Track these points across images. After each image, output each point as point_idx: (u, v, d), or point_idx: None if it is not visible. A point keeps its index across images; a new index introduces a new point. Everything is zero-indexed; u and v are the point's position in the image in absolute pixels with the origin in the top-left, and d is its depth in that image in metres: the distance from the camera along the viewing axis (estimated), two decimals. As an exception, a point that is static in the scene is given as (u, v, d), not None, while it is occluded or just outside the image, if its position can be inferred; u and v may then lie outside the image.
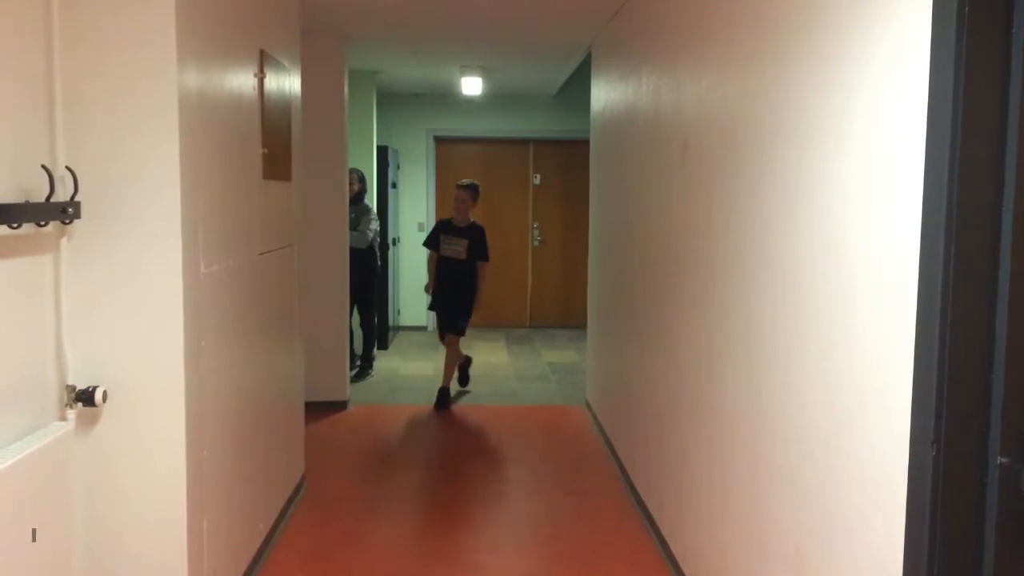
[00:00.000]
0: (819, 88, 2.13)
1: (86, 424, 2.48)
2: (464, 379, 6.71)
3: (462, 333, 6.32)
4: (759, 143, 2.56)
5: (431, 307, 6.52)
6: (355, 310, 6.92)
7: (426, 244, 6.53)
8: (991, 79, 1.54)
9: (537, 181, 9.67)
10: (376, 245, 7.07)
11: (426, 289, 6.50)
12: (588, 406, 6.14)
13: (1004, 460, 1.57)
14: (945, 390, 1.58)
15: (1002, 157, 1.56)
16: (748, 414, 2.63)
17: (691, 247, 3.31)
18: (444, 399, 6.22)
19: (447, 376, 6.33)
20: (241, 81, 3.22)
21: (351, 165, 6.64)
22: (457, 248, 6.20)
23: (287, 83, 3.99)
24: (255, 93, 3.41)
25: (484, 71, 7.47)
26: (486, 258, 6.28)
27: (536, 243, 9.70)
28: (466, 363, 6.74)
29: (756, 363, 2.56)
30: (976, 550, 1.61)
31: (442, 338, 6.46)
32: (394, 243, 8.65)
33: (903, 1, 1.72)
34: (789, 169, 2.33)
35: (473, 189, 6.32)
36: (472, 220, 6.30)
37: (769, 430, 2.45)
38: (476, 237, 6.24)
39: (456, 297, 6.26)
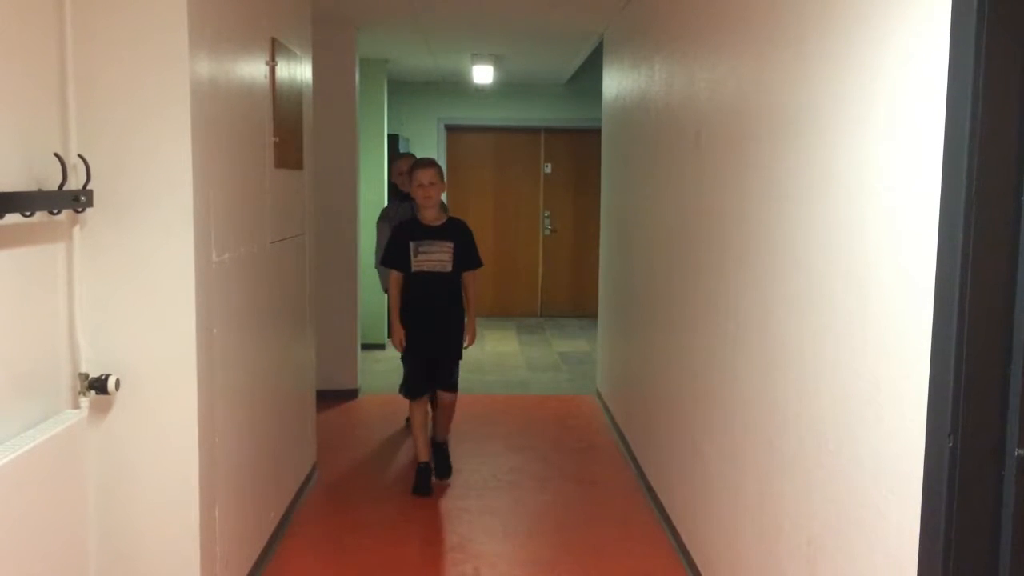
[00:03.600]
0: (836, 73, 2.11)
1: (99, 412, 2.49)
2: (446, 467, 4.46)
3: (456, 387, 4.36)
4: (774, 130, 2.54)
5: (406, 353, 4.29)
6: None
7: (386, 263, 4.29)
8: (1013, 61, 1.52)
9: (548, 170, 9.65)
10: None
11: (397, 345, 4.25)
12: (599, 396, 6.14)
13: (1022, 452, 1.56)
14: (962, 381, 1.56)
15: (1023, 141, 1.53)
16: (761, 404, 2.62)
17: (704, 236, 3.29)
18: (427, 479, 4.26)
19: (429, 446, 4.35)
20: (253, 69, 3.21)
21: (361, 154, 6.52)
22: (440, 257, 4.16)
23: (298, 71, 3.98)
24: (266, 81, 3.40)
25: (495, 59, 7.44)
26: (479, 263, 4.32)
27: (547, 232, 9.68)
28: (445, 444, 4.59)
29: (770, 353, 2.55)
30: (993, 543, 1.60)
31: (414, 395, 4.34)
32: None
33: (922, -13, 1.70)
34: (804, 156, 2.30)
35: (438, 167, 4.26)
36: (448, 213, 4.39)
37: (782, 420, 2.44)
38: (463, 237, 4.24)
39: (444, 330, 4.25)
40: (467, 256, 4.25)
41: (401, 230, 4.27)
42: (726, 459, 2.97)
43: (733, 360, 2.90)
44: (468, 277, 4.28)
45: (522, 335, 8.70)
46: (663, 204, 4.06)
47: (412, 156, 5.30)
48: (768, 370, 2.56)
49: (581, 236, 9.45)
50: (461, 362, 4.41)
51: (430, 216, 4.22)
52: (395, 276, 4.20)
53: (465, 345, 4.30)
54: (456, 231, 4.25)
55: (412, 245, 4.16)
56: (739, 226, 2.85)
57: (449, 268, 4.18)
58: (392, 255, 4.24)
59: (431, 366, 4.29)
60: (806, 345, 2.28)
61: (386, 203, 6.03)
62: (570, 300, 9.65)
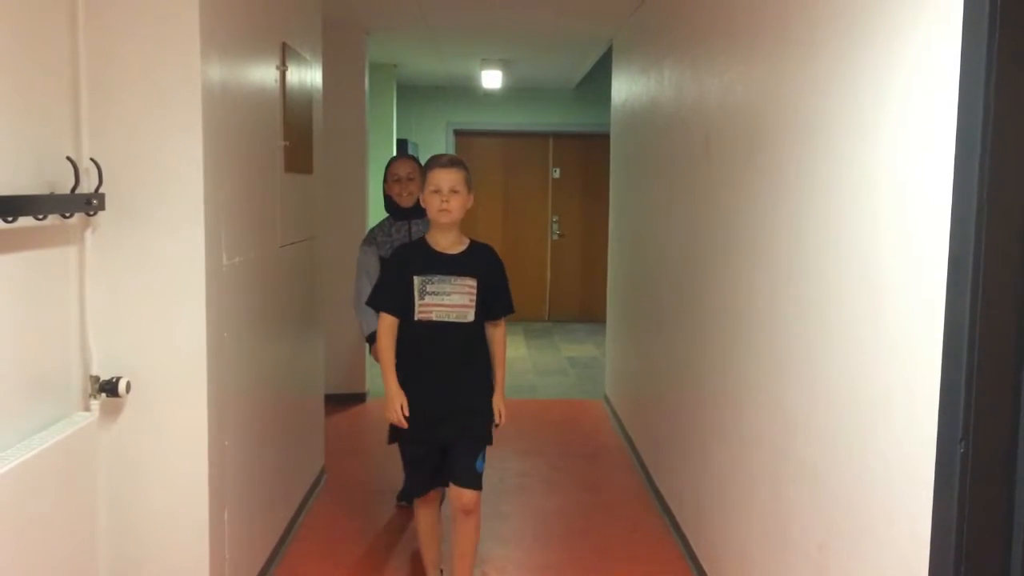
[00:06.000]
0: (847, 78, 2.11)
1: (109, 414, 2.50)
2: None
3: (480, 482, 3.04)
4: (784, 135, 2.53)
5: (414, 434, 2.99)
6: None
7: (374, 303, 2.96)
8: (1024, 68, 1.51)
9: (557, 175, 9.66)
10: None
11: (394, 416, 2.93)
12: (607, 400, 6.13)
13: (1034, 458, 1.55)
14: (974, 386, 1.55)
15: (1034, 150, 1.53)
16: (771, 409, 2.61)
17: (713, 241, 3.29)
18: None
19: (440, 555, 3.24)
20: (263, 74, 3.23)
21: (371, 159, 6.53)
22: (458, 300, 2.87)
23: (308, 76, 4.00)
24: (277, 86, 3.42)
25: (504, 64, 7.45)
26: (510, 307, 3.01)
27: (555, 237, 9.68)
28: None
29: (780, 357, 2.54)
30: (1004, 548, 1.59)
31: (420, 492, 3.14)
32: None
33: (933, -9, 1.69)
34: (815, 161, 2.30)
35: (465, 168, 2.91)
36: (468, 237, 2.98)
37: (792, 425, 2.43)
38: (491, 271, 2.95)
39: (461, 405, 2.97)
40: (494, 298, 2.95)
41: (401, 257, 2.98)
42: (735, 464, 2.96)
43: (742, 365, 2.89)
44: (495, 327, 3.00)
45: (530, 339, 8.69)
46: (672, 208, 4.06)
47: (414, 159, 3.99)
48: (778, 374, 2.55)
49: (589, 240, 9.46)
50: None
51: (446, 240, 2.91)
52: (388, 322, 2.90)
53: (495, 424, 3.04)
54: (482, 262, 2.94)
55: (417, 281, 2.86)
56: (749, 230, 2.84)
57: (470, 317, 2.88)
58: (385, 293, 2.95)
59: (456, 452, 3.00)
60: (816, 349, 2.27)
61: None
62: (578, 304, 9.65)
